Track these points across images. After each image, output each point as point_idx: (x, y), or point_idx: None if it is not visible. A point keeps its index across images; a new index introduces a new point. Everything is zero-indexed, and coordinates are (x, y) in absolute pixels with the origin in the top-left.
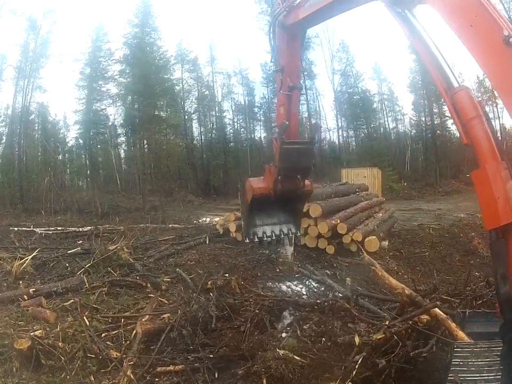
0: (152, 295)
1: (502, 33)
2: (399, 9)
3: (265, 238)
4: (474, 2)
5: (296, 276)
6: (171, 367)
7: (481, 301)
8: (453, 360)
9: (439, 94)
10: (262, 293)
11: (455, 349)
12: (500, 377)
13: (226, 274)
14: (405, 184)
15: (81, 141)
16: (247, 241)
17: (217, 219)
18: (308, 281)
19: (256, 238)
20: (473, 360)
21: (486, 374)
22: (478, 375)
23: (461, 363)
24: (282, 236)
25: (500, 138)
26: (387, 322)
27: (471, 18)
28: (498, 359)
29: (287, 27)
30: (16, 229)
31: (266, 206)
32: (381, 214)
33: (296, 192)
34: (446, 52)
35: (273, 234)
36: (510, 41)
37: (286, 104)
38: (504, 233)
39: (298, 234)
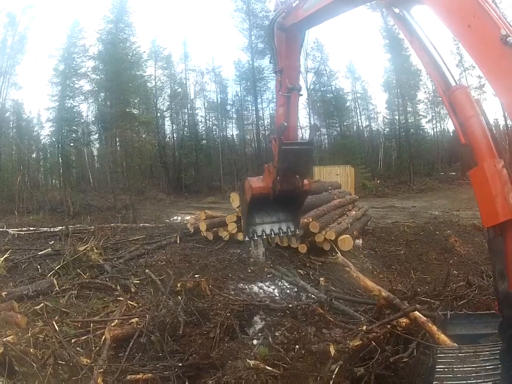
0: (121, 298)
1: (500, 33)
2: (397, 9)
3: (264, 236)
4: (472, 2)
5: (268, 276)
6: (141, 375)
7: (462, 302)
8: (437, 365)
9: (438, 94)
10: (231, 297)
11: (438, 354)
12: (488, 383)
13: (197, 276)
14: (378, 181)
15: (54, 139)
16: (247, 239)
17: (188, 218)
18: (280, 282)
19: (255, 236)
20: (459, 365)
21: (474, 381)
22: (465, 381)
23: (446, 369)
24: (281, 234)
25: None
26: (364, 328)
27: (469, 18)
28: (485, 364)
29: (286, 28)
30: None
31: (266, 204)
32: (354, 212)
33: (295, 191)
34: (443, 52)
35: (273, 233)
36: (507, 41)
37: (285, 105)
38: (502, 231)
39: (297, 232)
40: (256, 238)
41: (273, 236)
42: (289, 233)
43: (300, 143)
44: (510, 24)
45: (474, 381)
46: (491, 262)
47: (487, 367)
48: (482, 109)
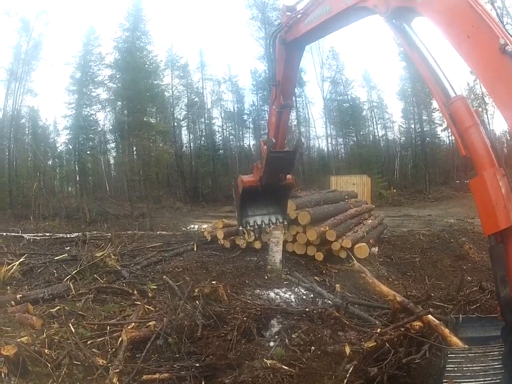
0: (138, 302)
1: (498, 42)
2: (397, 22)
3: (256, 227)
4: (471, 12)
5: (285, 283)
6: (157, 375)
7: (474, 306)
8: (447, 365)
9: (438, 108)
10: (249, 301)
11: (449, 355)
12: (496, 381)
13: (214, 282)
14: (394, 191)
15: (70, 147)
16: (241, 229)
17: (205, 226)
18: (296, 289)
19: (248, 226)
20: (468, 365)
21: (482, 379)
22: (474, 380)
23: (456, 369)
24: (271, 225)
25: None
26: (378, 330)
27: (468, 29)
28: (494, 364)
29: (288, 43)
30: (4, 234)
31: (256, 197)
32: (370, 221)
33: (279, 184)
34: (443, 63)
35: (263, 223)
36: (506, 49)
37: (276, 119)
38: (503, 238)
39: (285, 223)
40: (249, 228)
41: (263, 226)
42: (278, 224)
43: (284, 151)
44: (509, 33)
45: (483, 379)
46: (492, 269)
47: (495, 367)
48: (482, 119)
